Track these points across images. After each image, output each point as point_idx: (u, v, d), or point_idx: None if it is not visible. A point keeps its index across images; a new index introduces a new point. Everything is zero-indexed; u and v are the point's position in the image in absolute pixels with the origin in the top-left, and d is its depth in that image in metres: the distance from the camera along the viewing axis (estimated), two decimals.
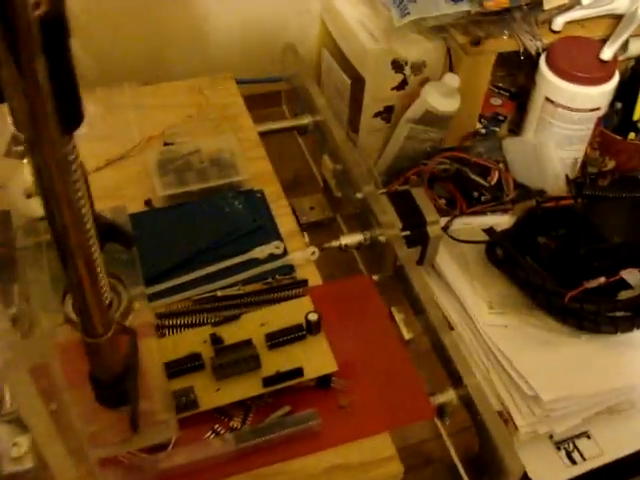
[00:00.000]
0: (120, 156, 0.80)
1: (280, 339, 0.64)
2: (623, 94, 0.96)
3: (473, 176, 0.95)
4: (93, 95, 0.82)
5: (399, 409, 0.63)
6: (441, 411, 0.70)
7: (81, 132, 0.75)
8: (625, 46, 0.97)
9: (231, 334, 0.65)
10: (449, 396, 0.68)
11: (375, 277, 0.82)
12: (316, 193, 0.94)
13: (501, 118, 1.04)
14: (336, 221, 0.91)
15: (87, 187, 0.41)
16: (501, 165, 0.97)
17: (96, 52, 0.92)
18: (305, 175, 0.97)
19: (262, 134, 0.90)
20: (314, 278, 0.72)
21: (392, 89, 0.94)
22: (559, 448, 0.78)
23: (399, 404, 0.64)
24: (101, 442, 0.55)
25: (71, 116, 0.36)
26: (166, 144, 0.82)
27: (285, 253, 0.73)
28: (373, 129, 0.98)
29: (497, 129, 1.03)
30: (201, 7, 1.01)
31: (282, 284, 0.70)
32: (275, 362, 0.63)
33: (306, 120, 0.93)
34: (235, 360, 0.61)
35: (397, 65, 0.91)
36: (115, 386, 0.52)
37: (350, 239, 0.79)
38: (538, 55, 0.93)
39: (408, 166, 0.97)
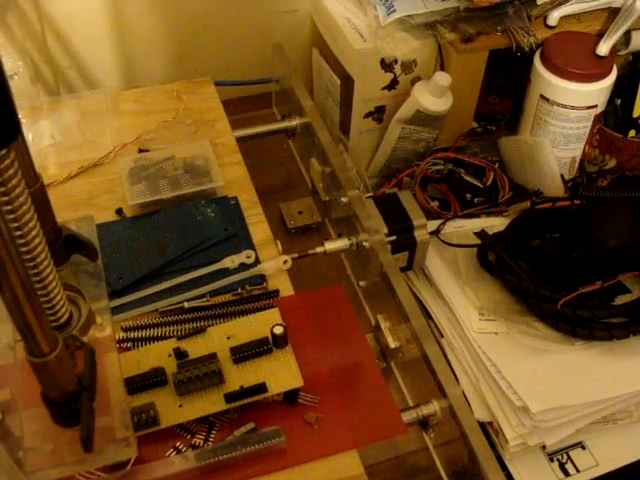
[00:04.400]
0: (93, 164, 0.78)
1: (245, 353, 0.62)
2: (622, 90, 0.92)
3: (467, 177, 0.92)
4: (69, 102, 0.81)
5: (369, 425, 0.61)
6: (424, 424, 0.67)
7: (56, 140, 0.73)
8: (627, 40, 0.94)
9: (197, 347, 0.63)
10: (432, 408, 0.66)
11: (362, 283, 0.80)
12: (306, 197, 0.92)
13: (498, 117, 1.01)
14: (325, 225, 0.89)
15: (39, 200, 0.39)
16: (497, 165, 0.93)
17: (74, 58, 0.91)
18: (296, 178, 0.95)
19: (249, 137, 0.89)
20: (286, 288, 0.70)
21: (382, 89, 0.91)
22: (552, 459, 0.75)
23: (369, 420, 0.61)
24: (55, 461, 0.53)
25: (3, 130, 0.34)
26: (141, 151, 0.80)
27: (257, 262, 0.71)
28: (364, 130, 0.95)
29: (494, 128, 0.99)
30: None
31: (252, 295, 0.68)
32: (240, 377, 0.61)
33: (294, 122, 0.92)
34: (197, 375, 0.59)
35: (386, 64, 0.89)
36: (67, 405, 0.50)
37: (334, 245, 0.77)
38: (533, 51, 0.89)
39: (402, 167, 0.94)
